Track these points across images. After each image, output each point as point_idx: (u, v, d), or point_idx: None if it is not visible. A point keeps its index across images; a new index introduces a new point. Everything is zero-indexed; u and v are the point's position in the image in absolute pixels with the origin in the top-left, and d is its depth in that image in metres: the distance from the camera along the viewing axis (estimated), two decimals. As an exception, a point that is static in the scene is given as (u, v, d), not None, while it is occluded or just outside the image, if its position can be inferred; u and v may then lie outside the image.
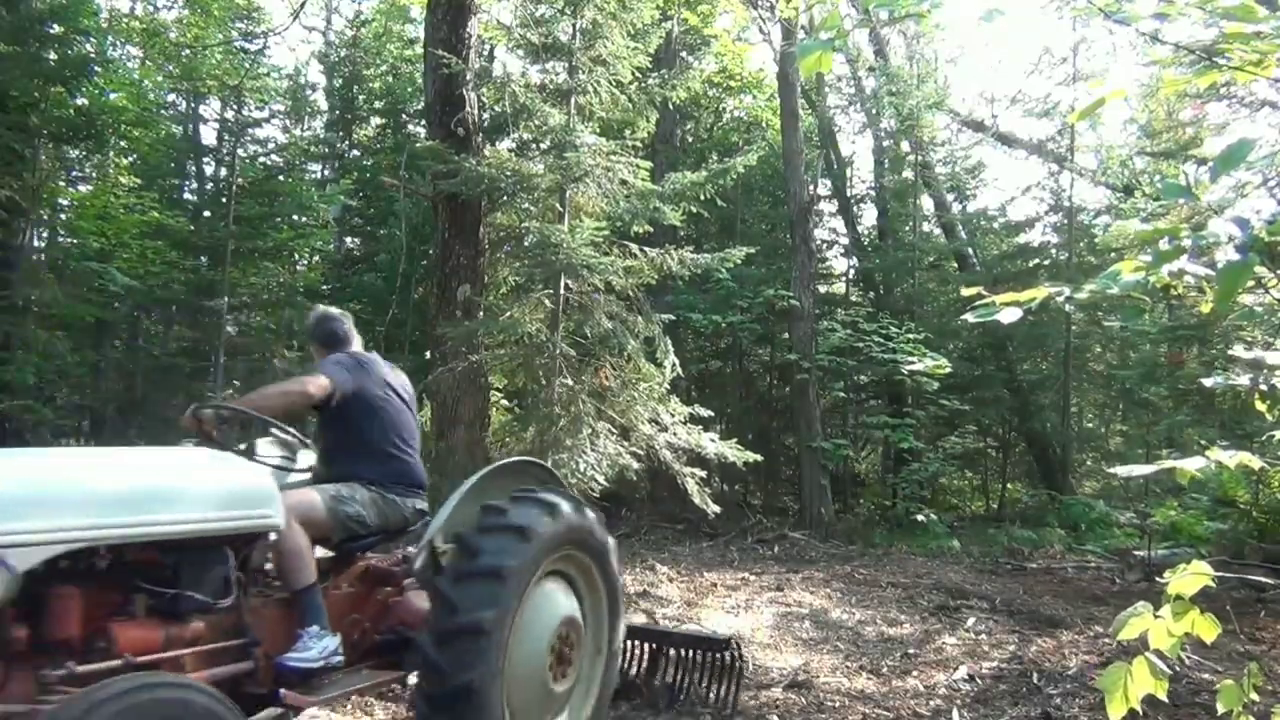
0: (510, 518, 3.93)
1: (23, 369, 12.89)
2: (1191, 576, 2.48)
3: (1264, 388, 2.68)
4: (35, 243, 16.85)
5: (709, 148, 20.77)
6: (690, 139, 21.42)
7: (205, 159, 20.73)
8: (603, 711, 4.55)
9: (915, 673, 6.47)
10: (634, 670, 5.69)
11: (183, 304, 17.88)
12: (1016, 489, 19.97)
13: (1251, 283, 2.25)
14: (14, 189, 13.05)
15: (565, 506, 4.17)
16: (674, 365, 11.01)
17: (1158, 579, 2.62)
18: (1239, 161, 2.20)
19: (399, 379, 4.74)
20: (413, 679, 4.09)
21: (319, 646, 3.71)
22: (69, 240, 16.12)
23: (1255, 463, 2.59)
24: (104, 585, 3.22)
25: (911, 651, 7.18)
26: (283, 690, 3.58)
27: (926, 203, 21.87)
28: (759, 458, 11.45)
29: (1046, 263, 20.47)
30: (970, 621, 8.39)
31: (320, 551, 4.05)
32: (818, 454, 15.56)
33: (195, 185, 21.34)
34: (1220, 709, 2.78)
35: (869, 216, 23.14)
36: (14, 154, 13.19)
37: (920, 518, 15.00)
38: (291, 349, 19.06)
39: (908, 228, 21.38)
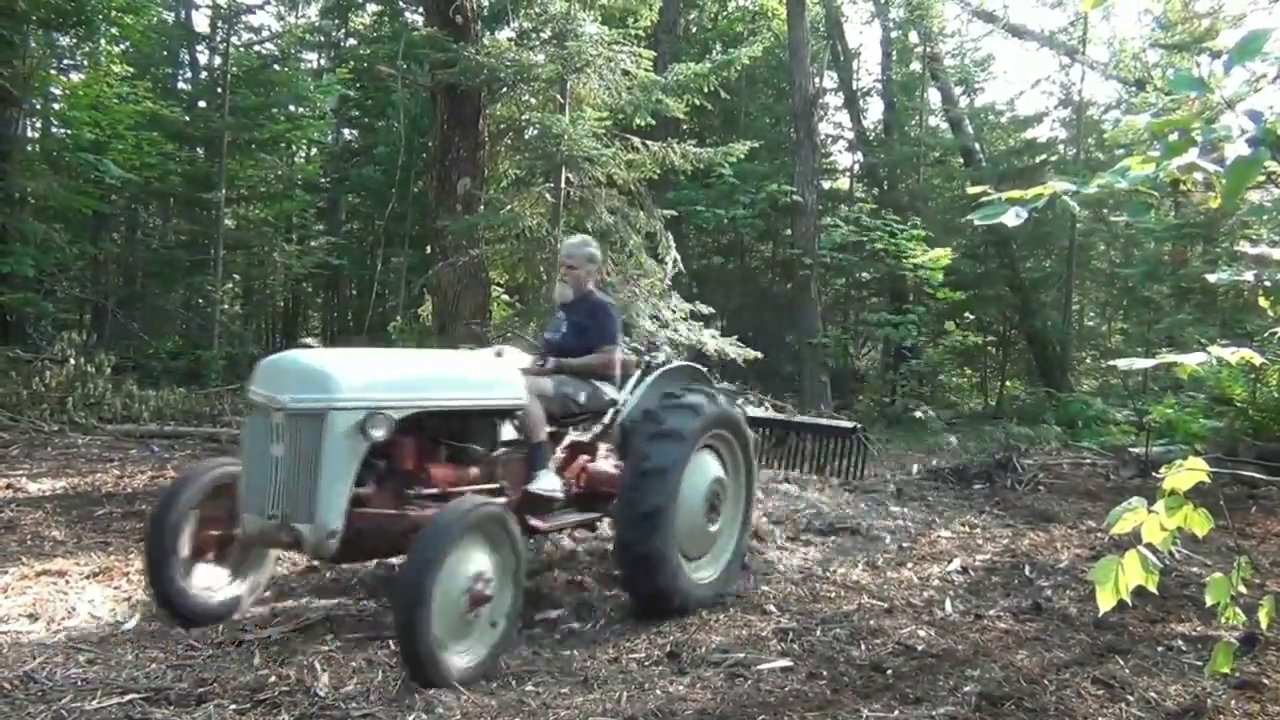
0: (685, 399, 5.36)
1: (21, 261, 12.83)
2: (1186, 473, 2.50)
3: (1267, 284, 2.66)
4: (29, 133, 16.62)
5: (713, 38, 20.32)
6: (694, 29, 20.93)
7: (198, 47, 20.30)
8: (742, 547, 5.91)
9: (909, 565, 6.59)
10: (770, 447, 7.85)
11: (180, 196, 17.69)
12: (1015, 386, 20.09)
13: (1261, 178, 2.21)
14: (4, 76, 12.81)
15: (721, 399, 5.65)
16: (675, 261, 10.96)
17: (1153, 475, 2.64)
18: (1255, 53, 2.14)
19: None
20: (605, 524, 5.75)
21: (550, 481, 5.16)
22: (63, 131, 15.88)
23: (1256, 359, 2.59)
24: (426, 438, 4.78)
25: (906, 545, 7.31)
26: (531, 519, 5.06)
27: (934, 97, 21.49)
28: (760, 355, 11.49)
29: (1054, 159, 20.22)
30: (965, 515, 8.51)
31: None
32: (818, 351, 15.60)
33: (189, 74, 20.96)
34: (1209, 601, 2.84)
35: (875, 110, 22.78)
36: (3, 41, 12.91)
37: (918, 414, 15.11)
38: (290, 242, 18.96)
39: (914, 122, 21.08)
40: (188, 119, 17.51)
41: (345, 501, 4.26)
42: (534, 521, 5.08)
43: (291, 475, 4.26)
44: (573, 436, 5.72)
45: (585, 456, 5.75)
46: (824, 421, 8.25)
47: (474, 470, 5.01)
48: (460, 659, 4.04)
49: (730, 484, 5.77)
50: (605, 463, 5.77)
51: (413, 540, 4.05)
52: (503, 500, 4.82)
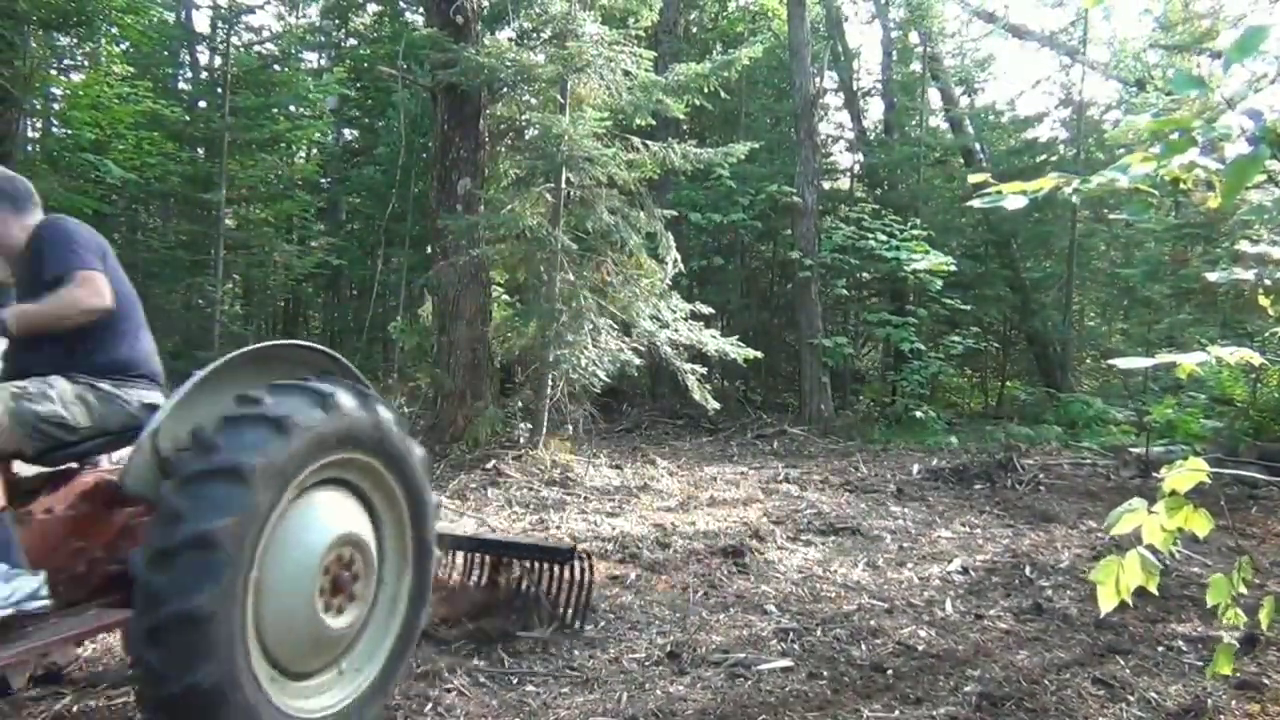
0: (264, 407, 3.07)
1: (22, 261, 12.81)
2: (1187, 473, 2.50)
3: (1268, 282, 2.66)
4: (30, 134, 16.62)
5: (713, 38, 20.31)
6: (694, 29, 20.92)
7: (199, 47, 20.29)
8: (402, 655, 3.70)
9: (910, 565, 6.59)
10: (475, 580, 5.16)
11: (180, 196, 17.69)
12: (1015, 386, 20.08)
13: (1262, 177, 2.21)
14: (5, 77, 12.80)
15: (345, 398, 3.31)
16: (675, 261, 10.96)
17: (1153, 475, 2.63)
18: (1253, 49, 2.14)
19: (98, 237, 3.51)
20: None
21: (2, 593, 2.82)
22: (63, 131, 15.88)
23: (1256, 359, 2.59)
24: None
25: (907, 545, 7.31)
26: None
27: (934, 97, 21.49)
28: (759, 354, 11.50)
29: (1054, 159, 20.21)
30: (965, 516, 8.52)
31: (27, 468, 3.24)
32: (818, 351, 15.59)
33: (189, 74, 20.95)
34: (1210, 601, 2.84)
35: (875, 111, 22.77)
36: (3, 41, 12.90)
37: (919, 414, 15.11)
38: (290, 242, 18.95)
39: (914, 122, 21.06)
40: (188, 119, 17.49)
41: None
42: None
43: None
44: (100, 473, 3.40)
45: (129, 508, 3.33)
46: (531, 542, 5.65)
47: None
48: None
49: (386, 539, 3.65)
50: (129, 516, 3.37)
51: None
52: None
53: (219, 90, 16.76)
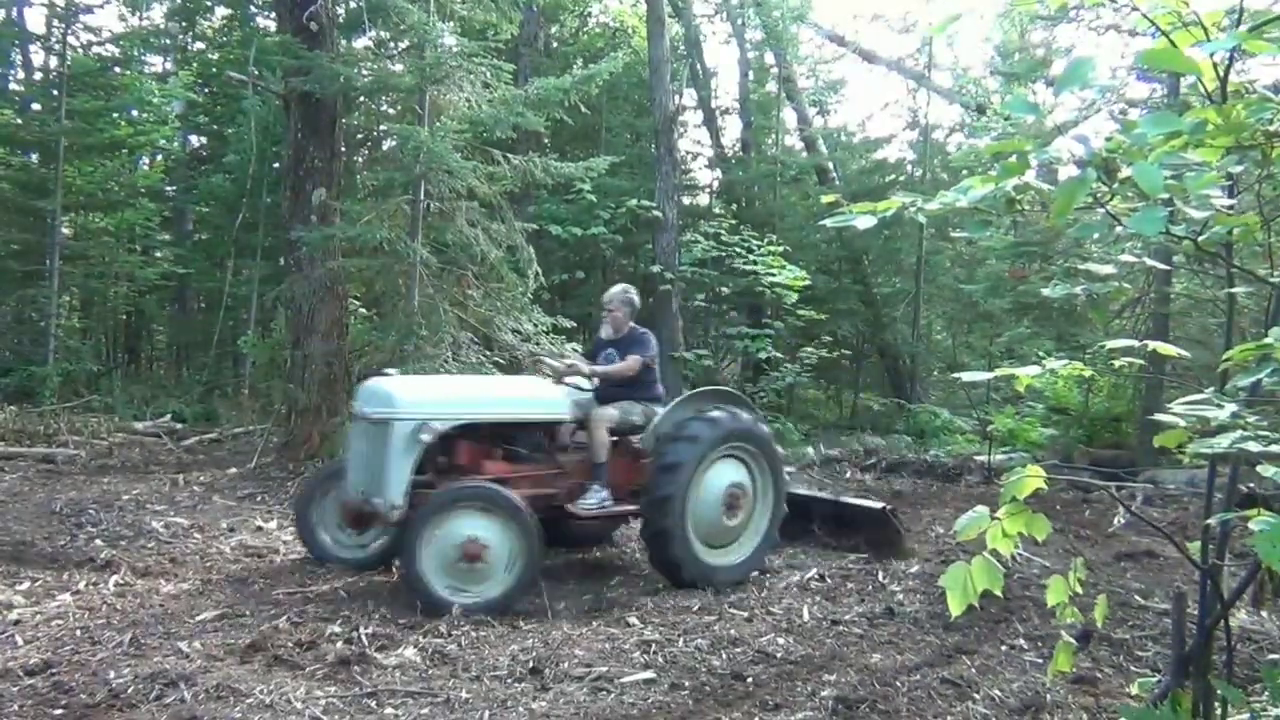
0: (708, 414, 6.47)
1: None
2: (1026, 479, 2.62)
3: (1095, 296, 2.83)
4: None
5: (574, 53, 20.35)
6: (555, 43, 20.94)
7: (32, 46, 19.21)
8: (768, 541, 6.76)
9: (768, 574, 6.72)
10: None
11: (11, 203, 16.67)
12: (868, 397, 20.74)
13: (1090, 199, 2.34)
14: None
15: (726, 418, 6.48)
16: (537, 275, 10.93)
17: (996, 482, 2.75)
18: (1081, 79, 2.27)
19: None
20: None
21: (597, 498, 6.40)
22: None
23: (1086, 370, 2.73)
24: (480, 441, 6.30)
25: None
26: (570, 507, 6.38)
27: (790, 117, 22.05)
28: (621, 367, 11.53)
29: (902, 179, 21.00)
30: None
31: None
32: (679, 364, 15.76)
33: (22, 75, 19.84)
34: (1049, 602, 2.98)
35: (733, 129, 23.20)
36: None
37: (776, 425, 15.42)
38: (133, 253, 18.12)
39: (771, 141, 21.54)
40: (19, 122, 16.57)
41: (405, 484, 5.81)
42: (573, 508, 6.36)
43: (370, 463, 5.97)
44: (634, 444, 6.74)
45: (641, 460, 6.67)
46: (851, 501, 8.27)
47: (525, 468, 6.39)
48: (466, 598, 5.49)
49: (752, 490, 6.67)
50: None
51: None
52: (551, 491, 6.37)
53: (54, 92, 15.94)
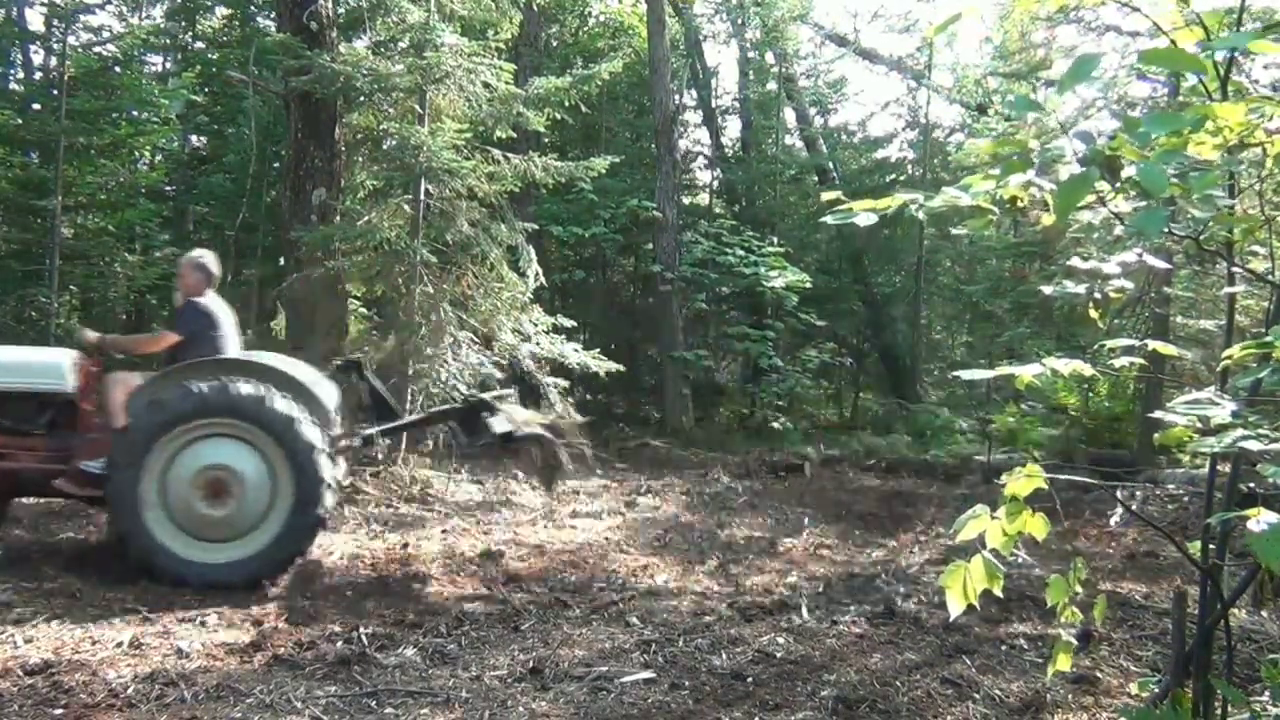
0: (157, 397, 5.83)
1: None
2: (1025, 479, 2.61)
3: (1097, 296, 2.81)
4: None
5: (574, 52, 20.34)
6: (555, 43, 20.93)
7: (33, 46, 19.20)
8: (288, 542, 5.91)
9: (765, 572, 6.72)
10: None
11: (11, 203, 16.65)
12: (868, 398, 20.74)
13: (1091, 197, 2.34)
14: None
15: (211, 391, 5.74)
16: (537, 274, 10.92)
17: (996, 481, 2.75)
18: (1085, 76, 2.26)
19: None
20: None
21: (100, 462, 5.81)
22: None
23: (1086, 370, 2.72)
24: None
25: (763, 552, 7.44)
26: (56, 483, 5.90)
27: (790, 116, 22.04)
28: (621, 368, 11.55)
29: (902, 178, 21.00)
30: (819, 524, 8.73)
31: None
32: (679, 364, 15.77)
33: (22, 75, 19.82)
34: (1049, 601, 2.98)
35: (733, 128, 23.20)
36: None
37: (777, 425, 15.44)
38: (133, 253, 18.10)
39: (771, 140, 21.54)
40: (19, 121, 16.55)
41: None
42: (58, 484, 5.91)
43: None
44: None
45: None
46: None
47: (19, 441, 6.00)
48: None
49: (253, 474, 5.86)
50: None
51: None
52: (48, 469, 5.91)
53: (54, 92, 15.93)
